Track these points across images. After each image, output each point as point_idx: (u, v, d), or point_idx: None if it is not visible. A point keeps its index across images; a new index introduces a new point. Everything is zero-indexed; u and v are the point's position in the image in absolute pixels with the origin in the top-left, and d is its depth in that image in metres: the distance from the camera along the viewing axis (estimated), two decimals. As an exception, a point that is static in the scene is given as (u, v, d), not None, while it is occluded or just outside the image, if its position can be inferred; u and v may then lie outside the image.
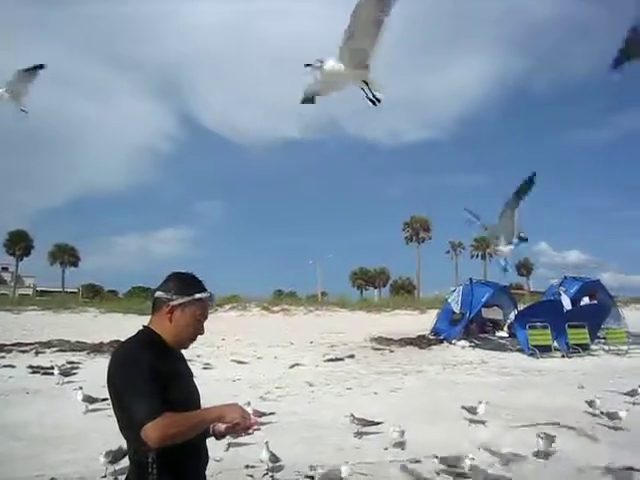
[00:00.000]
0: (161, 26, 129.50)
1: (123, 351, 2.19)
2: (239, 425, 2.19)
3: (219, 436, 2.35)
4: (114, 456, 5.51)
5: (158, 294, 2.27)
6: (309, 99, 4.94)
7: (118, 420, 2.17)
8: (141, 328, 2.30)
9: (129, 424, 2.06)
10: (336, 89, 4.78)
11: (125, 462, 6.00)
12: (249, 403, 7.71)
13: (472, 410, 7.75)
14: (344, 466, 5.50)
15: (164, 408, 2.00)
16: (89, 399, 8.20)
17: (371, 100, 4.54)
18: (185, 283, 2.29)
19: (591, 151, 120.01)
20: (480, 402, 7.78)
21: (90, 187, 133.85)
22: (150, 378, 2.04)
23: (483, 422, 7.77)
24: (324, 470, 5.60)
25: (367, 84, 4.47)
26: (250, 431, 2.27)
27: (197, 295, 2.27)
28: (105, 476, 5.74)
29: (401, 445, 6.77)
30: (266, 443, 5.80)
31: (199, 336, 2.36)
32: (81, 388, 8.31)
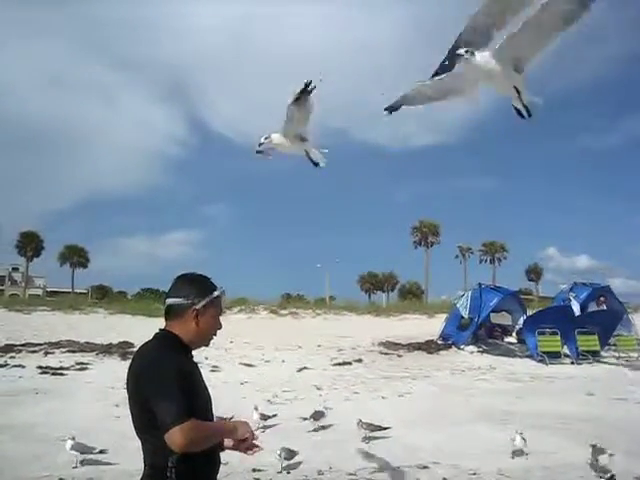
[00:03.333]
0: (171, 30, 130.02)
1: (151, 352, 2.21)
2: (243, 443, 2.31)
3: (222, 449, 2.39)
4: (81, 449, 5.97)
5: (176, 301, 2.29)
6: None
7: (136, 420, 2.18)
8: (159, 331, 2.32)
9: (151, 426, 2.08)
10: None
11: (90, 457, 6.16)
12: (257, 408, 7.72)
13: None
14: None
15: (190, 413, 2.03)
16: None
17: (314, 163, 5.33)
18: (202, 284, 2.33)
19: (600, 156, 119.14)
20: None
21: (101, 189, 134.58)
22: (179, 381, 2.07)
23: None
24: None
25: (307, 153, 5.26)
26: (250, 452, 2.33)
27: (215, 293, 2.32)
28: (76, 466, 6.02)
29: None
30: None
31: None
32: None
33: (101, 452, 6.10)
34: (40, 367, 12.65)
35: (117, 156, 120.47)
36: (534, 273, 75.68)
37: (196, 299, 2.27)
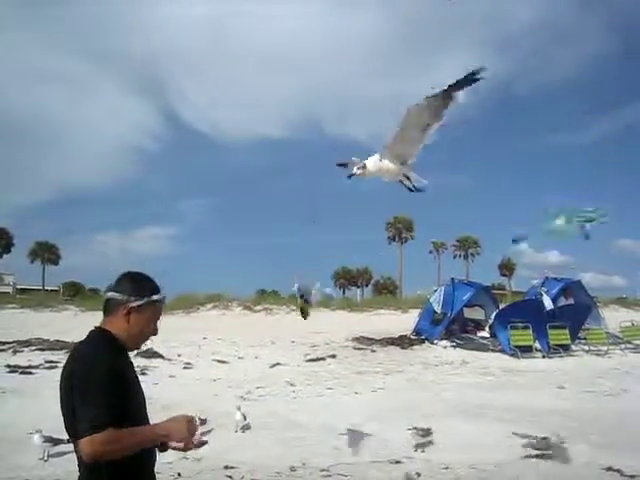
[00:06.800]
0: (146, 23, 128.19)
1: (83, 353, 2.14)
2: (186, 444, 2.20)
3: (162, 449, 2.29)
4: (50, 439, 6.05)
5: (112, 295, 2.24)
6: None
7: (68, 423, 2.13)
8: (94, 329, 2.25)
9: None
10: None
11: (61, 448, 6.11)
12: (239, 408, 7.64)
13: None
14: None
15: (112, 420, 1.96)
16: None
17: (410, 189, 4.76)
18: (141, 284, 2.27)
19: (571, 153, 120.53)
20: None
21: (72, 184, 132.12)
22: (107, 386, 2.01)
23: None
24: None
25: (408, 178, 4.70)
26: (194, 449, 2.26)
27: (154, 297, 2.26)
28: (46, 459, 6.10)
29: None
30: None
31: (154, 335, 2.35)
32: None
33: (68, 442, 6.03)
34: (8, 366, 12.41)
35: (90, 151, 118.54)
36: (507, 268, 76.42)
37: (131, 297, 2.21)
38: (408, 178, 4.68)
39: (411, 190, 4.74)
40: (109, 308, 2.24)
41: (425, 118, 4.10)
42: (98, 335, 2.21)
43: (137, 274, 2.32)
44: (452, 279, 18.57)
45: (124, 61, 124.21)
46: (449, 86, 3.87)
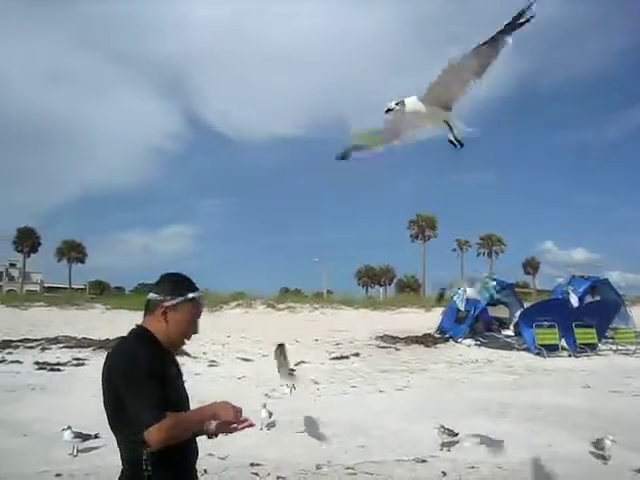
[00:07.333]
0: (167, 25, 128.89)
1: (123, 350, 2.20)
2: (231, 424, 2.23)
3: (211, 435, 2.34)
4: (80, 435, 6.17)
5: (151, 296, 2.30)
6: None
7: (110, 417, 2.17)
8: (135, 327, 2.31)
9: (124, 422, 2.08)
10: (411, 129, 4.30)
11: (90, 443, 6.20)
12: (265, 405, 7.66)
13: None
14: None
15: (164, 408, 2.02)
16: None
17: (453, 142, 4.23)
18: (177, 283, 2.32)
19: (596, 149, 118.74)
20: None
21: (97, 185, 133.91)
22: (151, 379, 2.06)
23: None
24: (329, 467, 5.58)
25: (449, 125, 4.19)
26: (240, 428, 2.29)
27: (190, 295, 2.29)
28: (75, 455, 6.16)
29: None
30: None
31: (195, 335, 2.38)
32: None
33: (96, 437, 6.13)
34: (37, 363, 12.63)
35: (113, 151, 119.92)
36: (531, 266, 75.60)
37: (167, 296, 2.26)
38: (451, 128, 4.18)
39: (453, 144, 4.20)
40: (149, 308, 2.30)
41: (467, 73, 3.62)
42: (138, 333, 2.27)
43: (174, 274, 2.38)
44: (476, 277, 18.44)
45: (148, 64, 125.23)
46: (498, 33, 3.28)
